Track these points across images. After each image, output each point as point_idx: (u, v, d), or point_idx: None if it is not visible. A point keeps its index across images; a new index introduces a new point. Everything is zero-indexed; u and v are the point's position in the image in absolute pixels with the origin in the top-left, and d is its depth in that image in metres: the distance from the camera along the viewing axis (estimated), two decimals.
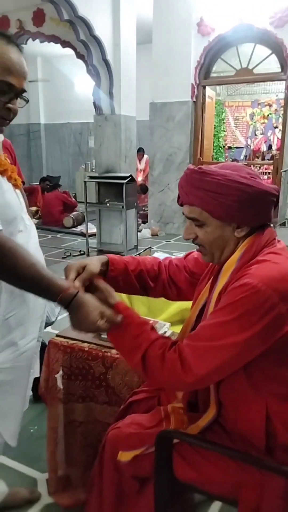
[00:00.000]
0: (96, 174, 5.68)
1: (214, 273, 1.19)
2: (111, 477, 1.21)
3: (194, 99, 6.30)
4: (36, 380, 1.56)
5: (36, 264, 1.08)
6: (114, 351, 1.54)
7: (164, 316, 1.84)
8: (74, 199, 8.03)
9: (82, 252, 5.60)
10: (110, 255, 1.29)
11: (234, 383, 1.09)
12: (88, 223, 5.71)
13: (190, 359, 1.00)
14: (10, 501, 1.63)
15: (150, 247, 3.22)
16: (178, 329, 1.73)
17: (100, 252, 5.42)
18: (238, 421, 1.12)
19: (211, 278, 1.20)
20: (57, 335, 1.66)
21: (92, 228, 5.98)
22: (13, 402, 1.33)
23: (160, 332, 1.63)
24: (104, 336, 1.61)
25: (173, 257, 1.46)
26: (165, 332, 1.66)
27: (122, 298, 1.71)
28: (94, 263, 1.18)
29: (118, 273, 1.27)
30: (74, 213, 7.28)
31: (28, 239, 1.28)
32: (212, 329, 1.02)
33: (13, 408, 1.34)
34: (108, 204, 5.36)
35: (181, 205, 1.15)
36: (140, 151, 8.09)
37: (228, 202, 1.04)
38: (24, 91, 1.19)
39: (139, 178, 8.08)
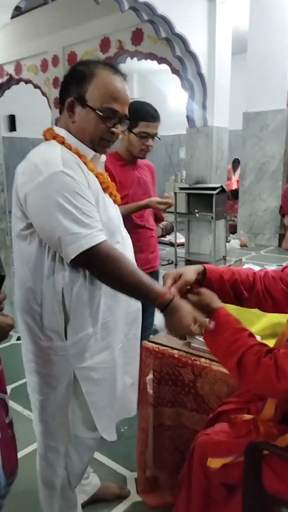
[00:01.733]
0: (186, 185, 5.76)
1: None
2: (199, 482, 1.25)
3: None
4: None
5: (136, 270, 1.20)
6: (203, 360, 1.58)
7: (255, 329, 1.83)
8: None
9: (170, 262, 5.69)
10: (206, 265, 1.34)
11: None
12: (177, 233, 5.79)
13: (285, 367, 1.03)
14: (101, 494, 1.74)
15: (241, 259, 3.21)
16: (268, 342, 1.71)
17: (188, 262, 5.47)
18: None
19: None
20: (149, 341, 1.74)
21: (181, 238, 6.05)
22: (111, 400, 1.41)
23: None
24: (194, 344, 1.66)
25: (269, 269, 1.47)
26: None
27: None
28: (190, 271, 1.26)
29: (214, 282, 1.31)
30: (164, 222, 7.40)
31: (124, 249, 1.38)
32: None
33: (110, 406, 1.42)
34: (197, 215, 5.40)
35: (283, 215, 1.20)
36: (236, 162, 8.04)
37: None
38: (126, 116, 1.31)
39: (232, 188, 8.01)
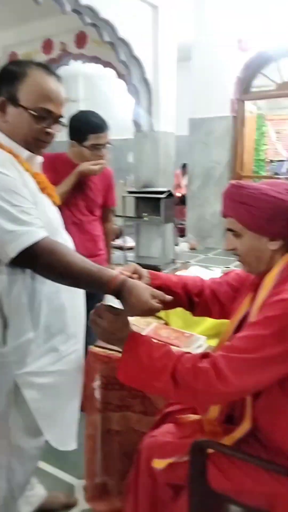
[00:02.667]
0: (135, 189, 5.79)
1: (254, 286, 1.22)
2: (146, 484, 1.24)
3: (234, 114, 6.32)
4: None
5: (84, 259, 1.18)
6: None
7: (200, 330, 1.86)
8: None
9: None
10: (152, 272, 1.35)
11: (269, 397, 1.11)
12: (126, 237, 5.80)
13: (225, 369, 1.02)
14: (48, 504, 1.68)
15: (188, 261, 3.25)
16: (214, 342, 1.74)
17: (138, 265, 5.48)
18: (274, 434, 1.13)
19: (252, 291, 1.22)
20: (95, 345, 1.71)
21: (130, 242, 6.06)
22: (59, 406, 1.37)
23: (196, 345, 1.65)
24: None
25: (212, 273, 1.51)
26: (200, 345, 1.67)
27: (160, 313, 1.74)
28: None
29: (162, 283, 1.32)
30: (113, 226, 7.40)
31: None
32: (248, 341, 1.04)
33: (60, 413, 1.37)
34: (146, 218, 5.44)
35: (224, 217, 1.22)
36: (185, 167, 8.17)
37: (259, 214, 1.10)
38: (62, 116, 1.29)
39: (180, 193, 8.13)
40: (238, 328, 1.22)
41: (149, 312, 1.18)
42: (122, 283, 1.15)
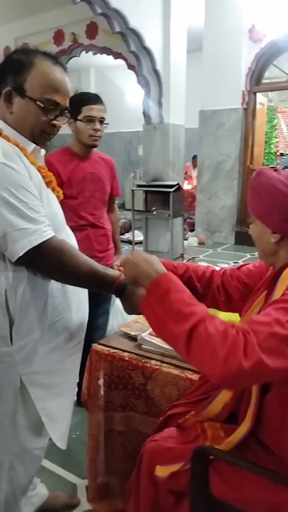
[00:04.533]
0: (144, 183, 5.74)
1: (269, 284, 1.17)
2: (147, 490, 1.21)
3: (245, 106, 6.22)
4: (79, 385, 1.59)
5: (89, 260, 1.20)
6: (154, 362, 1.54)
7: None
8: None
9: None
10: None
11: (280, 393, 1.06)
12: (135, 231, 5.76)
13: (254, 344, 0.91)
14: (50, 504, 1.66)
15: (194, 257, 3.21)
16: None
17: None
18: (283, 440, 1.08)
19: (267, 289, 1.17)
20: (99, 343, 1.69)
21: (139, 236, 6.02)
22: (62, 405, 1.36)
23: None
24: (144, 346, 1.62)
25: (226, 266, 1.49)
26: None
27: None
28: None
29: None
30: (122, 220, 7.38)
31: None
32: (276, 314, 0.96)
33: (62, 411, 1.37)
34: (155, 212, 5.39)
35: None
36: (195, 158, 8.08)
37: (263, 202, 1.11)
38: (67, 108, 1.26)
39: (191, 185, 8.05)
40: None
41: None
42: (124, 284, 1.19)
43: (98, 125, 2.07)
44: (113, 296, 2.26)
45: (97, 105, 2.07)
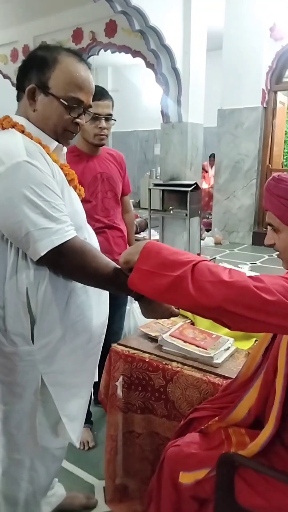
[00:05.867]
0: (161, 181, 5.70)
1: None
2: (169, 496, 1.18)
3: (265, 105, 6.13)
4: (96, 384, 1.58)
5: (111, 262, 1.16)
6: (175, 364, 1.52)
7: (227, 331, 1.78)
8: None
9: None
10: None
11: None
12: (151, 230, 5.73)
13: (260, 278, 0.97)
14: (67, 505, 1.65)
15: (214, 257, 3.17)
16: (241, 344, 1.67)
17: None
18: None
19: None
20: (119, 343, 1.67)
21: (155, 235, 5.99)
22: (80, 405, 1.34)
23: (223, 347, 1.58)
24: (165, 348, 1.59)
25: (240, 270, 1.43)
26: (228, 348, 1.60)
27: (186, 312, 1.67)
28: None
29: None
30: (138, 219, 7.35)
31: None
32: None
33: (80, 411, 1.35)
34: (171, 212, 5.35)
35: (265, 210, 1.18)
36: (212, 157, 8.01)
37: None
38: (91, 106, 1.24)
39: (208, 184, 7.99)
40: (274, 336, 1.14)
41: (168, 316, 1.20)
42: None
43: (103, 123, 1.94)
44: (129, 300, 2.22)
45: (102, 101, 1.92)
